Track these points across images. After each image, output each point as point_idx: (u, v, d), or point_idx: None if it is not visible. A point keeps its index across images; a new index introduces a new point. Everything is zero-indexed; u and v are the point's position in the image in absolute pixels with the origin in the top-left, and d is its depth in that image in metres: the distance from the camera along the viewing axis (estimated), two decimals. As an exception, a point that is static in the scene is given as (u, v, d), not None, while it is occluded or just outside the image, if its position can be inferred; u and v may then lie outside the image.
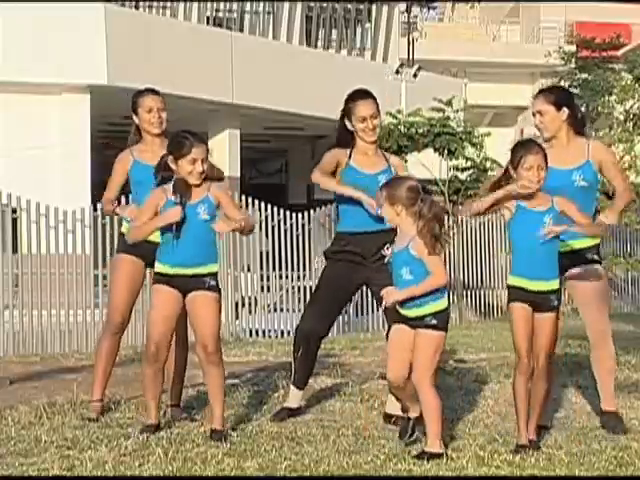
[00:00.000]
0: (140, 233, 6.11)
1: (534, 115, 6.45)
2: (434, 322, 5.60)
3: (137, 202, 6.73)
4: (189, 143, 5.98)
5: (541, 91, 6.62)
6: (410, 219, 5.64)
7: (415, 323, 5.63)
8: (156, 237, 6.56)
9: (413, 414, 5.79)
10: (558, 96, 6.44)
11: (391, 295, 5.66)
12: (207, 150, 6.07)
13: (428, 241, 5.59)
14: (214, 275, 6.05)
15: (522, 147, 5.77)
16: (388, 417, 6.50)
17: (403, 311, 5.67)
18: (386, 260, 5.83)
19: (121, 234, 6.97)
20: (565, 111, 6.36)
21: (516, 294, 5.74)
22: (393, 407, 6.40)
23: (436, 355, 5.62)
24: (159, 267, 6.05)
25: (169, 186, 6.03)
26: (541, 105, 6.39)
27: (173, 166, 6.01)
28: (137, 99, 6.88)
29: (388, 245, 5.92)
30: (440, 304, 5.63)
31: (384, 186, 5.80)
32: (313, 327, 6.66)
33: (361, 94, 6.73)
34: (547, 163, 5.74)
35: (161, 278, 6.03)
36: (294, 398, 6.77)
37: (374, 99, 6.71)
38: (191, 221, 5.96)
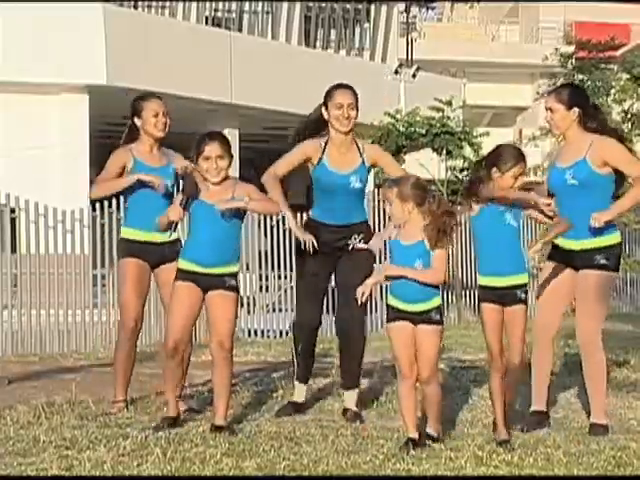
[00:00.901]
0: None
1: (546, 110, 6.54)
2: (438, 317, 5.74)
3: (134, 204, 6.89)
4: (203, 141, 6.10)
5: (554, 89, 6.81)
6: (420, 216, 5.73)
7: (420, 318, 5.72)
8: (157, 238, 6.60)
9: (415, 434, 5.71)
10: (569, 95, 6.48)
11: (390, 269, 5.72)
12: (225, 148, 6.10)
13: (433, 236, 5.70)
14: (234, 275, 6.15)
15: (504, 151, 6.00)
16: (346, 411, 6.64)
17: (404, 306, 5.72)
18: (350, 247, 6.14)
19: (121, 239, 7.01)
20: (575, 111, 6.41)
21: (485, 294, 5.94)
22: (349, 401, 6.66)
23: (436, 347, 5.78)
24: (183, 264, 6.15)
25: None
26: (552, 103, 6.48)
27: (195, 168, 6.14)
28: (142, 102, 6.93)
29: (355, 236, 6.34)
30: (439, 299, 5.78)
31: (393, 183, 5.85)
32: (308, 318, 6.74)
33: (342, 85, 6.77)
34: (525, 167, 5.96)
35: (183, 275, 6.10)
36: (299, 393, 6.84)
37: (354, 92, 6.71)
38: (217, 221, 6.03)
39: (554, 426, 6.42)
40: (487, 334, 5.93)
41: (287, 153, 6.72)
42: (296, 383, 6.89)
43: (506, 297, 5.92)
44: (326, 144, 6.64)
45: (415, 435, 5.68)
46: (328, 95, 6.70)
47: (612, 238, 6.37)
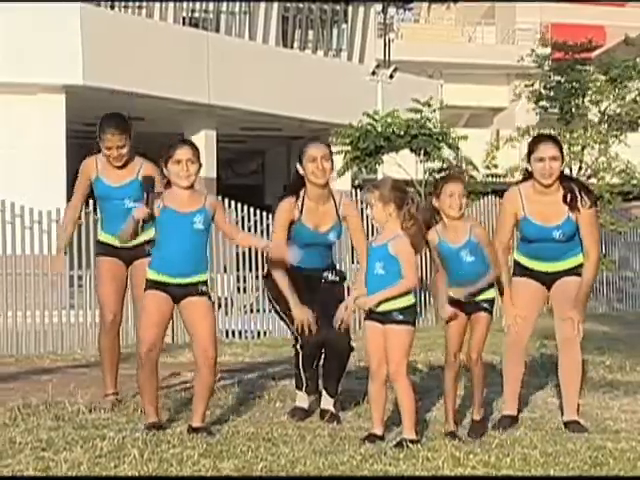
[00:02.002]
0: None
1: (542, 160, 6.46)
2: (400, 317, 5.84)
3: (103, 213, 7.22)
4: (173, 145, 6.15)
5: (548, 137, 6.90)
6: (398, 220, 5.86)
7: (383, 318, 5.86)
8: (128, 242, 6.63)
9: (377, 431, 5.92)
10: (561, 145, 6.61)
11: (366, 302, 5.93)
12: (195, 152, 6.12)
13: (418, 241, 5.88)
14: (205, 282, 6.15)
15: (442, 178, 6.33)
16: (324, 413, 6.66)
17: (372, 306, 5.90)
18: (323, 281, 6.64)
19: (97, 240, 7.32)
20: (562, 161, 6.56)
21: (451, 301, 6.21)
22: (327, 403, 6.69)
23: (406, 348, 5.87)
24: (152, 274, 6.11)
25: None
26: (556, 151, 6.50)
27: (165, 172, 6.15)
28: (101, 128, 7.01)
29: (327, 272, 6.73)
30: (405, 300, 5.86)
31: (374, 187, 5.94)
32: (314, 340, 6.71)
33: (313, 142, 6.91)
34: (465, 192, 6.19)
35: (153, 285, 6.09)
36: (304, 400, 6.84)
37: (327, 146, 6.84)
38: (186, 230, 6.04)
39: (531, 426, 6.45)
40: (449, 337, 6.30)
41: (275, 222, 6.79)
42: (301, 393, 6.84)
43: (472, 308, 6.25)
44: (303, 200, 6.67)
45: (379, 432, 5.88)
46: (301, 152, 6.77)
47: (580, 258, 6.59)
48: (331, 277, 6.81)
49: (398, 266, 5.83)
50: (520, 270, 6.69)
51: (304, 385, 6.81)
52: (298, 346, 6.71)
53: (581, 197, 6.44)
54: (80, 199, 7.25)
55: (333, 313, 6.45)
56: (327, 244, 6.82)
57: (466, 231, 6.17)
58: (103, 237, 7.18)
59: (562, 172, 6.54)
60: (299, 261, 6.54)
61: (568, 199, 6.43)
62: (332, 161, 6.74)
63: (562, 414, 6.66)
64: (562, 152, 6.55)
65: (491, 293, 6.29)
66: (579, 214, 6.45)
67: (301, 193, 6.69)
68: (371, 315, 5.92)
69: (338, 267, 7.13)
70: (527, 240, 6.59)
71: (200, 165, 6.18)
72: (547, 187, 6.47)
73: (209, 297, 6.18)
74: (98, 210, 7.36)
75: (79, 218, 7.30)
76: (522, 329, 6.58)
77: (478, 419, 6.39)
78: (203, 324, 6.10)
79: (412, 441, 5.72)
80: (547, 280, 6.62)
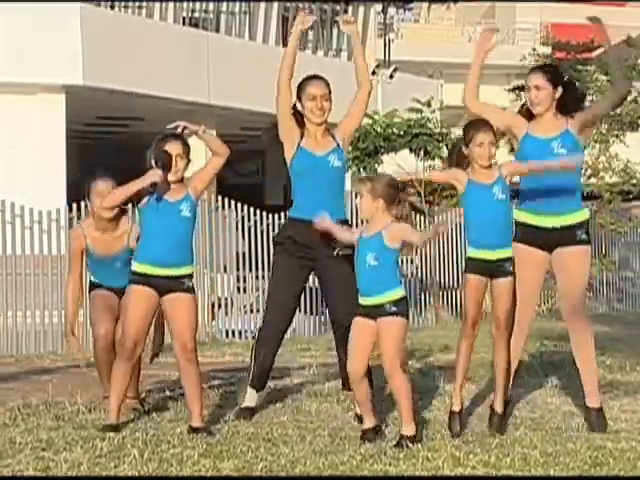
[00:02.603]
0: (119, 195, 6.19)
1: (529, 89, 6.59)
2: (394, 309, 5.78)
3: (92, 271, 7.12)
4: (164, 140, 6.14)
5: (539, 67, 6.94)
6: (388, 215, 5.83)
7: (375, 312, 5.80)
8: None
9: (368, 424, 5.92)
10: (555, 75, 6.64)
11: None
12: (185, 148, 6.14)
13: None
14: (190, 276, 6.13)
15: (472, 126, 6.21)
16: (359, 418, 6.52)
17: (362, 300, 5.84)
18: (335, 253, 6.29)
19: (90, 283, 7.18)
20: (559, 90, 6.56)
21: (473, 265, 6.10)
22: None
23: (400, 341, 5.82)
24: (137, 266, 6.12)
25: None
26: (540, 81, 6.55)
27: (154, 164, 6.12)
28: (90, 185, 7.00)
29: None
30: (397, 292, 5.82)
31: (368, 179, 5.93)
32: (275, 331, 6.71)
33: (314, 76, 6.80)
34: (496, 139, 6.16)
35: (138, 278, 6.09)
36: (252, 398, 6.77)
37: (327, 83, 6.74)
38: (173, 218, 6.06)
39: (531, 426, 6.44)
40: (467, 301, 6.11)
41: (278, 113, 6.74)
42: (249, 389, 6.79)
43: (494, 270, 6.09)
44: (302, 132, 6.66)
45: (371, 424, 5.92)
46: (300, 88, 6.71)
47: (585, 213, 6.59)
48: (342, 251, 6.49)
49: (392, 257, 5.79)
50: (522, 233, 6.50)
51: (250, 377, 6.74)
52: (258, 333, 6.72)
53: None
54: (79, 271, 7.10)
55: (349, 292, 6.12)
56: (332, 173, 6.62)
57: (495, 173, 6.12)
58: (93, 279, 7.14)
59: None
60: (310, 210, 6.40)
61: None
62: (331, 99, 6.67)
63: (565, 415, 6.66)
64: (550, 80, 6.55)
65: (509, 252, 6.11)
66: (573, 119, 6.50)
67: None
68: (361, 310, 5.85)
69: None
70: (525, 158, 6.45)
71: (189, 161, 6.18)
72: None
73: (194, 292, 6.18)
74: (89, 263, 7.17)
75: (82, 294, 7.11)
76: (529, 298, 6.49)
77: (500, 411, 6.25)
78: (185, 320, 6.10)
79: (411, 438, 5.70)
80: (550, 241, 6.48)
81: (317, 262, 6.65)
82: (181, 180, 6.18)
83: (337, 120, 6.78)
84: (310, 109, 6.61)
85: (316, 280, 7.04)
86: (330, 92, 6.69)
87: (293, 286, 6.72)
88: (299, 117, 6.69)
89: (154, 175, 6.03)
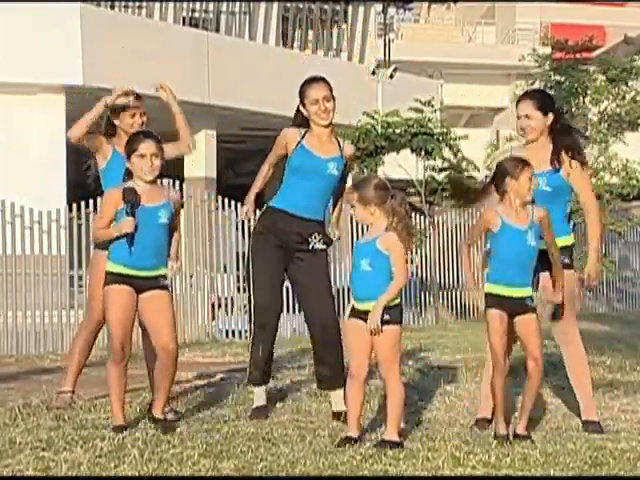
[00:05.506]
0: (101, 237, 6.26)
1: (519, 117, 6.52)
2: (387, 317, 5.73)
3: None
4: (137, 139, 6.12)
5: (527, 94, 6.75)
6: (383, 216, 5.78)
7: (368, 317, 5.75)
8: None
9: (352, 433, 5.82)
10: (544, 101, 6.56)
11: (374, 318, 5.70)
12: (159, 147, 6.11)
13: (405, 237, 5.76)
14: (165, 276, 6.18)
15: (518, 159, 6.05)
16: (337, 415, 6.56)
17: (356, 304, 5.81)
18: (310, 247, 6.34)
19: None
20: (550, 117, 6.48)
21: (494, 301, 5.96)
22: (338, 402, 6.59)
23: (395, 347, 5.77)
24: (114, 267, 6.10)
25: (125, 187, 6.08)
26: (528, 109, 6.48)
27: (128, 165, 6.12)
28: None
29: (316, 235, 6.44)
30: (392, 300, 5.75)
31: (354, 188, 5.89)
32: (271, 301, 6.68)
33: (314, 78, 6.76)
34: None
35: (117, 278, 6.07)
36: (260, 396, 6.77)
37: (327, 83, 6.71)
38: (152, 224, 6.05)
39: (531, 426, 6.44)
40: (492, 337, 5.98)
41: (272, 151, 6.80)
42: (255, 388, 6.78)
43: (515, 307, 5.98)
44: (306, 132, 6.65)
45: (354, 434, 5.77)
46: (302, 93, 6.70)
47: (570, 239, 6.52)
48: (318, 245, 6.62)
49: (386, 261, 5.73)
50: None
51: (250, 371, 6.73)
52: (253, 324, 6.68)
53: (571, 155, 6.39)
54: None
55: (323, 287, 6.38)
56: (326, 179, 6.62)
57: (529, 212, 6.00)
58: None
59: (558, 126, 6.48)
60: (295, 205, 6.49)
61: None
62: (334, 98, 6.65)
63: (564, 416, 6.65)
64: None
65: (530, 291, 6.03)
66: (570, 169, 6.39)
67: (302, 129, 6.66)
68: (355, 312, 5.80)
69: (335, 268, 7.08)
70: None
71: (164, 159, 6.15)
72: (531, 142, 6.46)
73: (169, 290, 6.20)
74: None
75: None
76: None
77: (521, 433, 6.03)
78: (164, 319, 6.09)
79: (392, 443, 5.62)
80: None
81: (291, 254, 6.66)
82: (160, 179, 6.19)
83: (337, 120, 6.76)
84: (315, 112, 6.61)
85: None
86: (332, 91, 6.68)
87: (276, 269, 6.70)
88: (302, 119, 6.67)
89: (128, 226, 5.97)
